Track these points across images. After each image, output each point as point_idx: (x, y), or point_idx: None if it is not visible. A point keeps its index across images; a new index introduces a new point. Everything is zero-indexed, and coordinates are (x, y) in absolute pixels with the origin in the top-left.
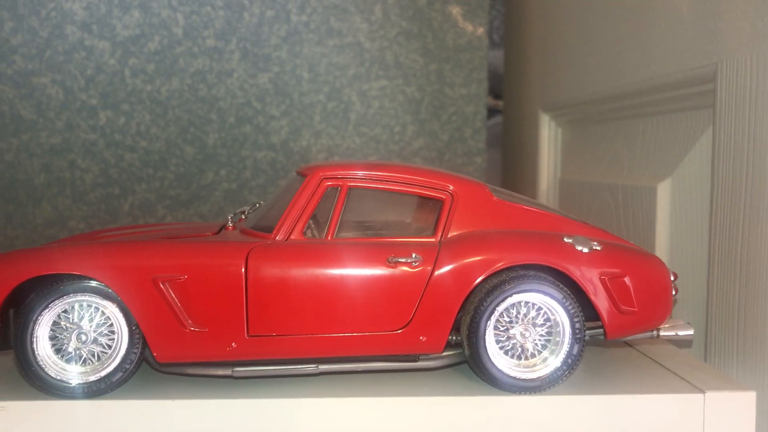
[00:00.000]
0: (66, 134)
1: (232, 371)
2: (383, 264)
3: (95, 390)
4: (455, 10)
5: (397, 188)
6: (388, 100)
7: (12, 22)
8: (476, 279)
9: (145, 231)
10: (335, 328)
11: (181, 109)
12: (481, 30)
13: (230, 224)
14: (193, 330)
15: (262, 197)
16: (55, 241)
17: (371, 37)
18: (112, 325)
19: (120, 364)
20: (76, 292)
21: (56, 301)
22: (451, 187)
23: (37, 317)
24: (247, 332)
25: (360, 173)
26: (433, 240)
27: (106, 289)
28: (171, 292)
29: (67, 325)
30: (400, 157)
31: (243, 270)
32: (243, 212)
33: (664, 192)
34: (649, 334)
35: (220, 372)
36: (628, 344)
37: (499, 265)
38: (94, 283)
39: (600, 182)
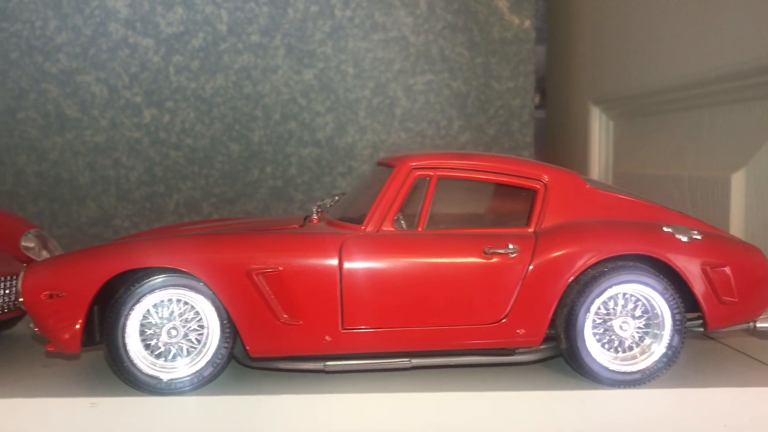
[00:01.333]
0: (110, 132)
1: (324, 365)
2: (479, 255)
3: (185, 385)
4: (501, 3)
5: (489, 178)
6: (434, 94)
7: (56, 21)
8: (576, 270)
9: (228, 225)
10: (430, 320)
11: (226, 106)
12: (527, 22)
13: (315, 216)
14: (287, 323)
15: (308, 194)
16: (130, 236)
17: (416, 31)
18: (200, 320)
19: (211, 360)
20: (167, 286)
21: (147, 296)
22: (545, 177)
23: (129, 312)
24: (342, 325)
25: (451, 163)
26: (527, 230)
27: (197, 282)
28: (265, 284)
29: (157, 320)
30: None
31: (337, 262)
32: (322, 203)
33: (738, 182)
34: (746, 325)
35: (312, 366)
36: (709, 337)
37: (600, 256)
38: (186, 277)
39: (662, 174)
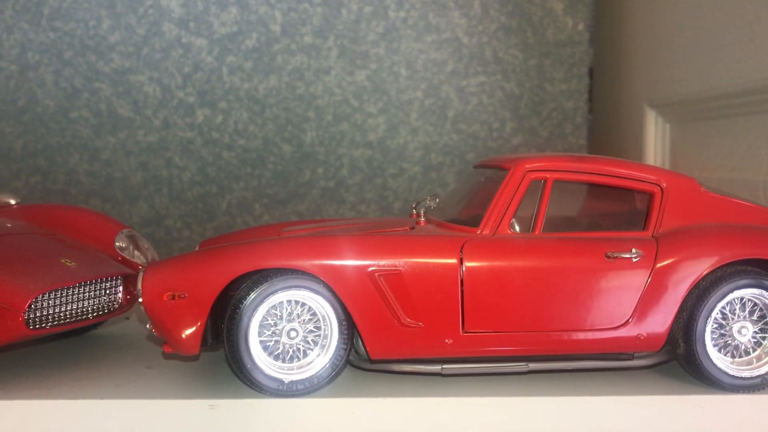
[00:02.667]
0: (163, 132)
1: (441, 368)
2: (601, 259)
3: (305, 388)
4: (556, 5)
5: (605, 181)
6: (487, 96)
7: (110, 20)
8: (699, 275)
9: (332, 227)
10: (550, 325)
11: (279, 107)
12: (581, 24)
13: (422, 219)
14: (409, 325)
15: (359, 195)
16: (221, 236)
17: (470, 32)
18: (316, 321)
19: (330, 361)
20: (289, 287)
21: (270, 297)
22: (662, 181)
23: (252, 313)
24: (463, 328)
25: (566, 165)
26: (646, 235)
27: (318, 284)
28: (386, 286)
29: (277, 321)
30: (498, 154)
31: (458, 265)
32: (419, 205)
33: None
34: None
35: (429, 369)
36: None
37: (722, 260)
38: (306, 278)
39: (731, 178)
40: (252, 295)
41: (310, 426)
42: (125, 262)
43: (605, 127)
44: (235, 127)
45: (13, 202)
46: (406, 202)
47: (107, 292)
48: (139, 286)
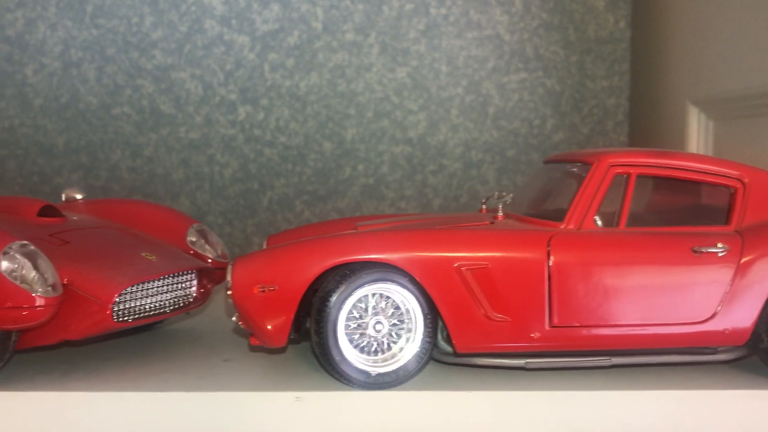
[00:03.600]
0: (205, 129)
1: (525, 363)
2: (687, 254)
3: (392, 380)
4: (597, 2)
5: (687, 176)
6: (528, 93)
7: (152, 17)
8: None
9: (409, 221)
10: (636, 319)
11: (320, 104)
12: (623, 21)
13: (500, 213)
14: (495, 319)
15: (399, 192)
16: (295, 229)
17: (511, 29)
18: (400, 315)
19: (416, 355)
20: (377, 280)
21: (358, 290)
22: (745, 176)
23: (341, 305)
24: (549, 322)
25: (649, 161)
26: (729, 229)
27: (403, 277)
28: (474, 280)
29: (362, 314)
30: (539, 151)
31: (545, 259)
32: (489, 200)
33: None
34: None
35: (512, 363)
36: None
37: None
38: (394, 271)
39: None
40: (341, 288)
41: (398, 418)
42: (197, 256)
43: (646, 124)
44: (277, 124)
45: (79, 197)
46: (446, 199)
47: (183, 286)
48: (229, 278)
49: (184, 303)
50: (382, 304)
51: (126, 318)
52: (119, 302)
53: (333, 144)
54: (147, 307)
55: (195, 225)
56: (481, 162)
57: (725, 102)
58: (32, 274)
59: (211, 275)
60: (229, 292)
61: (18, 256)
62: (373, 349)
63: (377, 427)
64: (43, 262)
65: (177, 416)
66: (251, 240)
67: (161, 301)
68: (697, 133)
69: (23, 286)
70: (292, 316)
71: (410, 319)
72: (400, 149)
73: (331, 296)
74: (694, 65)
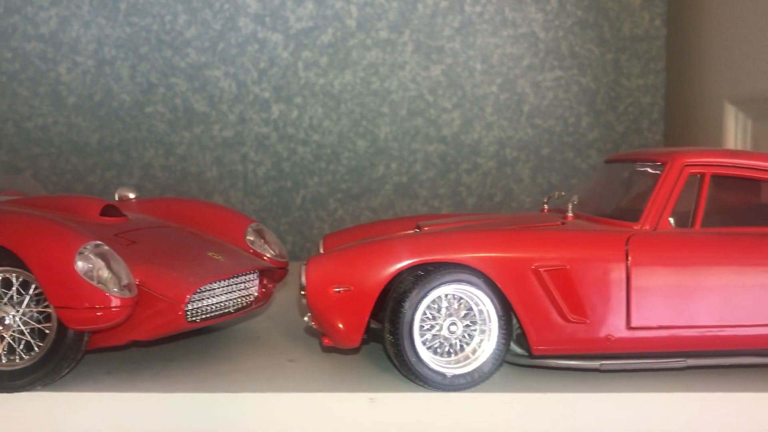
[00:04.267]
0: (238, 127)
1: (600, 365)
2: (764, 254)
3: (467, 382)
4: None
5: (762, 176)
6: (563, 91)
7: (186, 15)
8: None
9: (475, 221)
10: (714, 320)
11: (354, 102)
12: (658, 19)
13: (569, 213)
14: (572, 320)
15: (432, 190)
16: (359, 227)
17: (546, 27)
18: (473, 316)
19: (491, 356)
20: (451, 281)
21: (434, 290)
22: None
23: (416, 307)
24: (626, 324)
25: (724, 161)
26: None
27: (478, 278)
28: (551, 281)
29: (435, 315)
30: (574, 149)
31: (624, 259)
32: (550, 199)
33: None
34: None
35: (587, 365)
36: None
37: None
38: (469, 272)
39: None
40: (416, 289)
41: (472, 419)
42: (257, 255)
43: (682, 123)
44: (310, 122)
45: (132, 196)
46: (480, 197)
47: (246, 286)
48: (303, 279)
49: (246, 303)
50: (455, 306)
51: (195, 318)
52: (191, 302)
53: (366, 142)
54: (213, 307)
55: (253, 224)
56: (515, 160)
57: (764, 101)
58: (107, 274)
59: (272, 275)
60: (303, 293)
61: (92, 256)
62: (445, 350)
63: (453, 428)
64: (117, 263)
65: (251, 417)
66: (284, 239)
67: (226, 301)
68: (735, 132)
69: (99, 286)
70: (367, 317)
71: (483, 320)
72: (433, 147)
73: (406, 297)
74: (732, 63)
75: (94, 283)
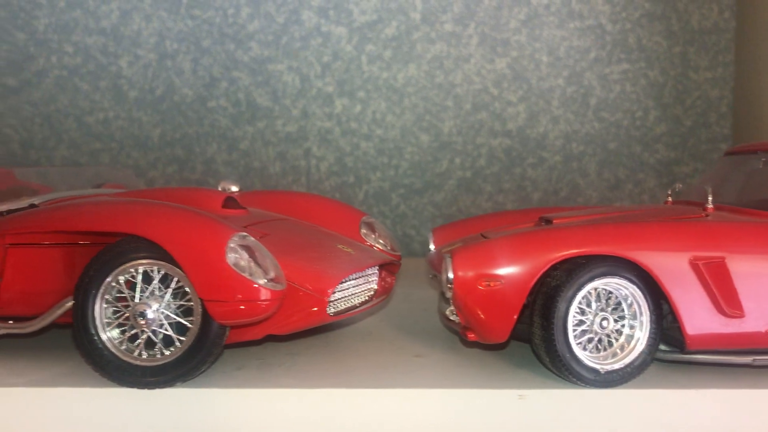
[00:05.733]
0: (302, 122)
1: (753, 360)
2: None
3: (620, 378)
4: None
5: None
6: (630, 84)
7: (248, 8)
8: None
9: (609, 214)
10: None
11: (417, 96)
12: (727, 12)
13: (709, 205)
14: (729, 314)
15: (497, 185)
16: (470, 219)
17: (613, 19)
18: (620, 311)
19: (642, 351)
20: (604, 275)
21: (586, 285)
22: None
23: (570, 302)
24: None
25: None
26: None
27: (631, 271)
28: (708, 274)
29: (584, 309)
30: (641, 143)
31: None
32: (674, 192)
33: None
34: None
35: (739, 360)
36: None
37: None
38: (622, 266)
39: None
40: (570, 283)
41: (625, 416)
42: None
43: (751, 116)
44: (373, 116)
45: (235, 189)
46: (546, 192)
47: (369, 279)
48: (450, 273)
49: (368, 298)
50: (604, 300)
51: (330, 311)
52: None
53: (430, 136)
54: (345, 302)
55: (364, 217)
56: (582, 154)
57: None
58: (257, 267)
59: (391, 268)
60: (450, 287)
61: (240, 248)
62: (593, 345)
63: (605, 425)
64: (265, 255)
65: (391, 412)
66: None
67: (353, 295)
68: None
69: (251, 279)
70: (517, 311)
71: (632, 314)
72: (498, 141)
73: (560, 291)
74: None
75: (246, 275)
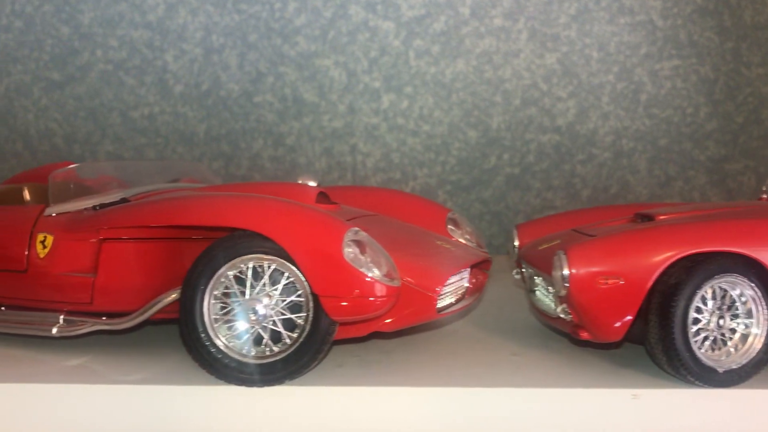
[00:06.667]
0: (348, 118)
1: None
2: None
3: (738, 378)
4: None
5: None
6: (681, 80)
7: (295, 3)
8: None
9: (709, 210)
10: None
11: (465, 91)
12: None
13: None
14: None
15: (546, 182)
16: (560, 215)
17: (664, 14)
18: (737, 309)
19: (760, 351)
20: (724, 272)
21: (706, 283)
22: None
23: (690, 300)
24: None
25: None
26: None
27: (749, 269)
28: None
29: (702, 307)
30: (692, 140)
31: None
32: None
33: None
34: None
35: None
36: None
37: None
38: (740, 263)
39: None
40: (690, 281)
41: (742, 416)
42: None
43: None
44: (421, 112)
45: (313, 184)
46: (595, 189)
47: (462, 277)
48: (566, 270)
49: (461, 296)
50: (719, 298)
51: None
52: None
53: (478, 132)
54: (447, 298)
55: (450, 213)
56: (632, 151)
57: None
58: (371, 263)
59: (483, 266)
60: (565, 285)
61: (354, 244)
62: (708, 345)
63: (722, 425)
64: (378, 250)
65: (494, 411)
66: None
67: (451, 293)
68: None
69: (369, 275)
70: (636, 310)
71: (746, 312)
72: (547, 138)
73: (680, 289)
74: None
75: (363, 271)
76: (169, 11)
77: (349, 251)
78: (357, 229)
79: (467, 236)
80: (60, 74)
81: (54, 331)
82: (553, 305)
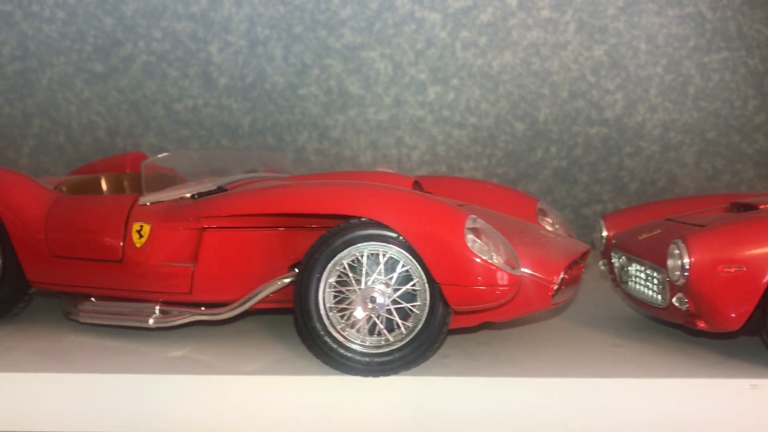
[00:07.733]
0: (394, 110)
1: None
2: None
3: None
4: None
5: None
6: (729, 72)
7: None
8: None
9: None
10: None
11: (513, 83)
12: None
13: None
14: None
15: (593, 175)
16: (646, 204)
17: (713, 6)
18: None
19: None
20: None
21: None
22: None
23: None
24: None
25: None
26: None
27: None
28: None
29: None
30: (740, 133)
31: None
32: None
33: None
34: None
35: None
36: None
37: None
38: None
39: None
40: None
41: None
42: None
43: None
44: (467, 104)
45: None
46: (643, 182)
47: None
48: (686, 258)
49: (570, 286)
50: None
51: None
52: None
53: (525, 125)
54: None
55: (538, 203)
56: (680, 144)
57: None
58: (492, 251)
59: (583, 257)
60: (685, 273)
61: (474, 232)
62: None
63: None
64: (498, 238)
65: (607, 402)
66: None
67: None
68: None
69: (492, 262)
70: (758, 298)
71: None
72: (595, 130)
73: None
74: None
75: (488, 259)
76: (213, 3)
77: (471, 238)
78: (474, 216)
79: (557, 226)
80: (103, 66)
81: (151, 321)
82: (657, 295)
